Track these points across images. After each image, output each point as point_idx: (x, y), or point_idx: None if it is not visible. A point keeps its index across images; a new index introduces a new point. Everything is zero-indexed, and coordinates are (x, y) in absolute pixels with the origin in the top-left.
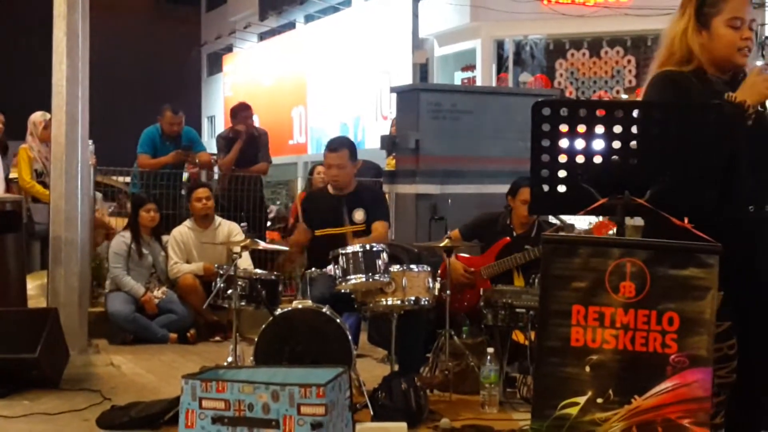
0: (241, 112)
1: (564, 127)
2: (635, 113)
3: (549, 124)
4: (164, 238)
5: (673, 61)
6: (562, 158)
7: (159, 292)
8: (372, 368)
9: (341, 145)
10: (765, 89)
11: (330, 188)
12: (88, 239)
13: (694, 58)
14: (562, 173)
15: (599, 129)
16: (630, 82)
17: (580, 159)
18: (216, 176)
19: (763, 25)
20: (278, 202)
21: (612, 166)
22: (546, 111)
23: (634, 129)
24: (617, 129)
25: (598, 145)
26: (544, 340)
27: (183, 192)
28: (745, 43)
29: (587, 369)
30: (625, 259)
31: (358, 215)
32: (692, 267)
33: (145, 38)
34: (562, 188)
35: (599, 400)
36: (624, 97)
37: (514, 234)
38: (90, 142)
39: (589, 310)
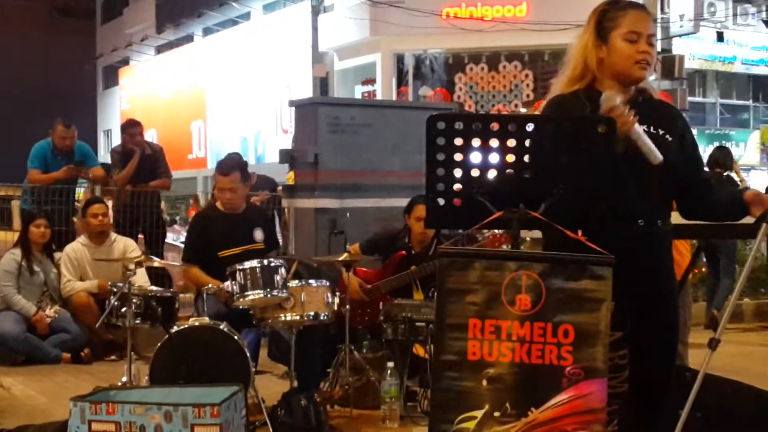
0: (128, 128)
1: (459, 141)
2: (529, 127)
3: (444, 138)
4: (56, 255)
5: (569, 77)
6: (458, 172)
7: (51, 311)
8: (272, 385)
9: (232, 169)
10: (621, 125)
11: (221, 207)
12: None
13: (587, 73)
14: (457, 187)
15: (494, 142)
16: (528, 96)
17: (475, 172)
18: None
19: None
20: (178, 218)
21: (507, 180)
22: (441, 125)
23: (527, 142)
24: (511, 143)
25: (493, 158)
26: (440, 354)
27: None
28: (642, 56)
29: (484, 383)
30: (521, 272)
31: (258, 234)
32: (586, 279)
33: (37, 51)
34: (457, 202)
35: (496, 414)
36: (522, 110)
37: (413, 252)
38: None
39: (485, 323)
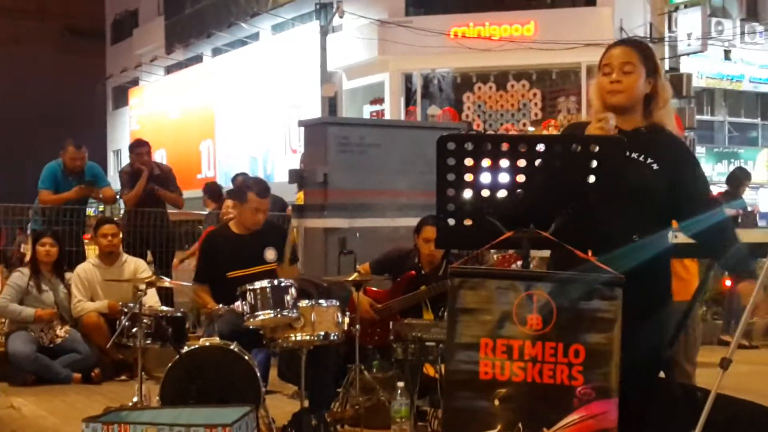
0: (135, 148)
1: (469, 161)
2: (539, 147)
3: (454, 159)
4: (67, 275)
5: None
6: (468, 192)
7: (62, 331)
8: (282, 404)
9: (267, 191)
10: (593, 129)
11: (233, 227)
12: None
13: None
14: (467, 207)
15: (504, 163)
16: (536, 114)
17: (485, 193)
18: (121, 212)
19: (662, 59)
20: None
21: (517, 200)
22: (451, 145)
23: (537, 162)
24: (521, 163)
25: (503, 178)
26: (452, 374)
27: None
28: (611, 86)
29: (496, 402)
30: (532, 292)
31: (270, 254)
32: (597, 299)
33: (48, 71)
34: (468, 222)
35: None
36: (531, 129)
37: (423, 272)
38: None
39: (497, 342)
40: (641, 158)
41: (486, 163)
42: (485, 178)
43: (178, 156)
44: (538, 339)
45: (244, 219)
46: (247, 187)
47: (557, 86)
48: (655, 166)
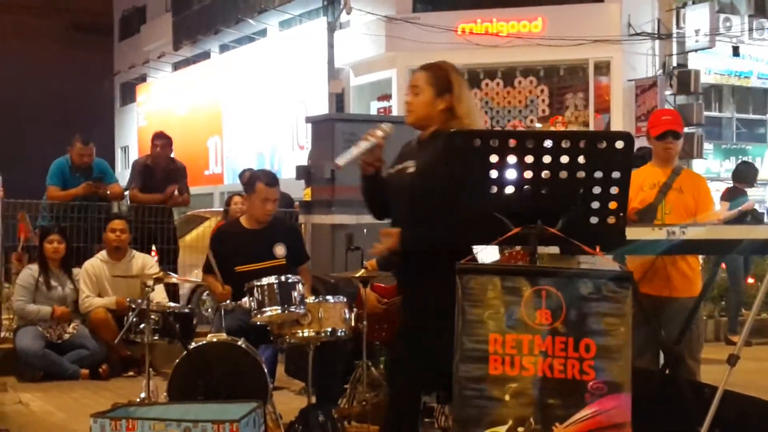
0: (153, 139)
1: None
2: (546, 143)
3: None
4: (75, 271)
5: None
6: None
7: (70, 327)
8: (289, 401)
9: (275, 180)
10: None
11: (244, 222)
12: None
13: None
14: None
15: (511, 159)
16: (543, 111)
17: (493, 189)
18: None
19: (670, 55)
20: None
21: (524, 196)
22: (458, 141)
23: (545, 158)
24: (529, 159)
25: (511, 174)
26: (462, 371)
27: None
28: (406, 106)
29: (507, 397)
30: (541, 287)
31: (279, 250)
32: (606, 294)
33: (56, 68)
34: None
35: (520, 429)
36: (538, 126)
37: None
38: None
39: (506, 338)
40: (406, 164)
41: (494, 158)
42: (492, 174)
43: (185, 152)
44: (548, 334)
45: (253, 211)
46: (256, 177)
47: (565, 83)
48: (411, 170)
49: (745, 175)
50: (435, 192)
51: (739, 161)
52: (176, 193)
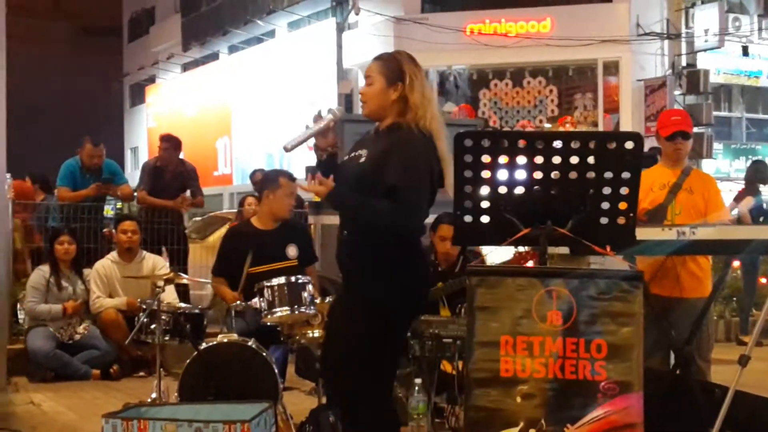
0: (161, 142)
1: (486, 158)
2: (556, 144)
3: (471, 155)
4: (86, 271)
5: None
6: (485, 189)
7: (81, 327)
8: (300, 401)
9: (293, 175)
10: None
11: (256, 222)
12: (6, 275)
13: None
14: (485, 204)
15: (521, 160)
16: (552, 111)
17: (502, 190)
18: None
19: (679, 55)
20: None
21: (534, 197)
22: (468, 142)
23: (555, 159)
24: (538, 160)
25: (520, 175)
26: (472, 372)
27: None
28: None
29: (518, 399)
30: (551, 288)
31: (292, 251)
32: (617, 294)
33: (65, 69)
34: (485, 219)
35: (532, 431)
36: (547, 126)
37: (439, 269)
38: (8, 175)
39: (517, 339)
40: (360, 152)
41: (503, 159)
42: (502, 174)
43: (194, 153)
44: (559, 335)
45: (276, 207)
46: (276, 173)
47: (573, 83)
48: (362, 159)
49: (761, 174)
50: (380, 183)
51: (753, 160)
52: (188, 195)
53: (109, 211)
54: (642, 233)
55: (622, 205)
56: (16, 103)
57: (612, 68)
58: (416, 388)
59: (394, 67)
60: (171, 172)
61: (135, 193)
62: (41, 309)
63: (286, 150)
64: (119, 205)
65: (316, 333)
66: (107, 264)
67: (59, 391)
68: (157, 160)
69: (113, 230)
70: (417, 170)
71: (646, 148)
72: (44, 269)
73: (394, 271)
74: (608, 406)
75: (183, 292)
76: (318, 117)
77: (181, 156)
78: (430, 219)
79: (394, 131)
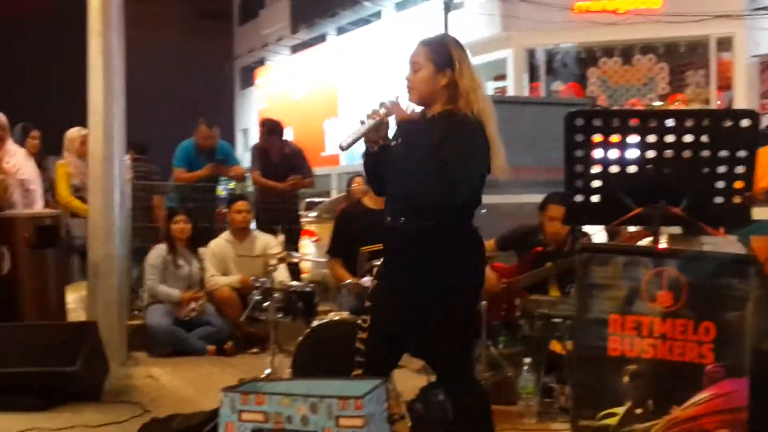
0: (260, 127)
1: (598, 137)
2: (669, 122)
3: (582, 135)
4: (201, 250)
5: None
6: (596, 168)
7: (197, 305)
8: (409, 379)
9: None
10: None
11: (368, 202)
12: (126, 253)
13: None
14: (596, 183)
15: (633, 138)
16: (663, 89)
17: (614, 169)
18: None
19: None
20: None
21: (647, 176)
22: (579, 121)
23: (668, 138)
24: (651, 138)
25: (633, 154)
26: (581, 350)
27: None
28: (407, 84)
29: (626, 379)
30: (662, 268)
31: None
32: (728, 277)
33: (179, 54)
34: (596, 198)
35: (638, 411)
36: (657, 104)
37: (548, 249)
38: (126, 156)
39: (626, 319)
40: (413, 140)
41: (614, 138)
42: (614, 154)
43: (303, 134)
44: (668, 316)
45: None
46: None
47: (685, 59)
48: (419, 146)
49: None
50: (443, 168)
51: None
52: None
53: (220, 191)
54: (759, 213)
55: (738, 184)
56: (133, 87)
57: (725, 44)
58: (525, 367)
59: (443, 53)
60: (276, 154)
61: (246, 174)
62: (161, 289)
63: (342, 149)
64: (231, 185)
65: None
66: (221, 243)
67: (177, 365)
68: (261, 143)
69: (225, 209)
70: (478, 155)
71: (761, 126)
72: (161, 248)
73: (474, 241)
74: (713, 389)
75: (295, 270)
76: (375, 112)
77: (289, 137)
78: (538, 198)
79: (450, 116)
